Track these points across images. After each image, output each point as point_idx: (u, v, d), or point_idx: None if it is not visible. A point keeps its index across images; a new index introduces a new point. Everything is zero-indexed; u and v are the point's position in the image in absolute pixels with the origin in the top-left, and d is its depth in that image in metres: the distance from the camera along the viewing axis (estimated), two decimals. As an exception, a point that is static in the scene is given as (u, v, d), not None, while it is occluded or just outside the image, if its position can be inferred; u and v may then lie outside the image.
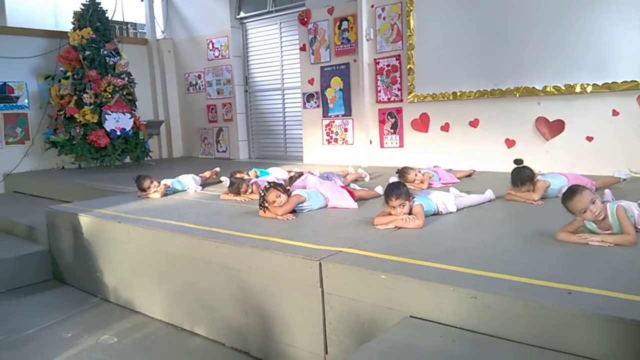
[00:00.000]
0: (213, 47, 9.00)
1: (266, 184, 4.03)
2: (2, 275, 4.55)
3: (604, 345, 1.87)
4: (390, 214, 3.37)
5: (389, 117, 6.70)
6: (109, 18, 8.25)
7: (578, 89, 5.17)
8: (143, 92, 9.05)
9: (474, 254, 2.68)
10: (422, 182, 4.71)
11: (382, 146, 6.83)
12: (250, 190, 4.74)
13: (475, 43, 5.82)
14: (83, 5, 7.90)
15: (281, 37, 8.26)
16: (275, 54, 8.41)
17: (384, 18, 6.54)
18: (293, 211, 3.83)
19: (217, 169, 6.11)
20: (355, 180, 5.22)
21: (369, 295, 2.50)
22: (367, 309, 2.51)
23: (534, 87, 5.44)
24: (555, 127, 5.43)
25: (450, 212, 3.62)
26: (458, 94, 6.00)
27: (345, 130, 7.21)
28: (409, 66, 6.34)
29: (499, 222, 3.52)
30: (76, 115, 7.44)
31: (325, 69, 7.28)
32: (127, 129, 7.78)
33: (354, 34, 6.87)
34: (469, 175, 5.42)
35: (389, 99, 6.67)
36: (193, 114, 9.60)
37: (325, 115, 7.39)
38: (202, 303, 3.39)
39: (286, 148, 8.55)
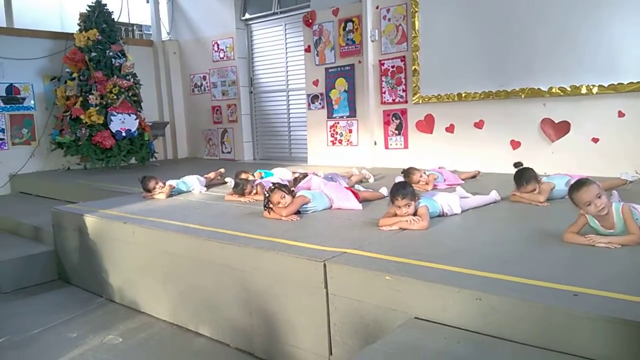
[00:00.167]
0: (218, 48, 9.03)
1: (271, 185, 4.03)
2: (8, 276, 4.58)
3: (609, 347, 1.86)
4: (395, 215, 3.36)
5: (393, 118, 6.70)
6: (115, 20, 8.28)
7: (584, 90, 5.16)
8: (148, 93, 9.08)
9: (478, 255, 2.67)
10: (427, 183, 4.71)
11: (386, 147, 6.82)
12: (254, 192, 4.75)
13: (481, 44, 5.81)
14: (89, 7, 7.94)
15: (286, 39, 8.27)
16: (280, 56, 8.43)
17: (389, 19, 6.54)
18: (297, 212, 3.83)
19: (222, 170, 6.12)
20: (359, 182, 5.21)
21: (374, 297, 2.50)
22: (372, 310, 2.51)
23: (539, 88, 5.43)
24: (560, 129, 5.41)
25: (455, 214, 3.61)
26: (463, 95, 5.99)
27: (350, 131, 7.21)
28: (413, 67, 6.33)
29: (504, 223, 3.51)
30: (82, 117, 7.47)
31: (330, 70, 7.28)
32: (133, 130, 7.81)
33: (359, 35, 6.87)
34: (474, 177, 5.40)
35: (393, 100, 6.66)
36: (198, 115, 9.63)
37: (329, 116, 7.40)
38: (207, 304, 3.40)
39: (291, 149, 8.56)
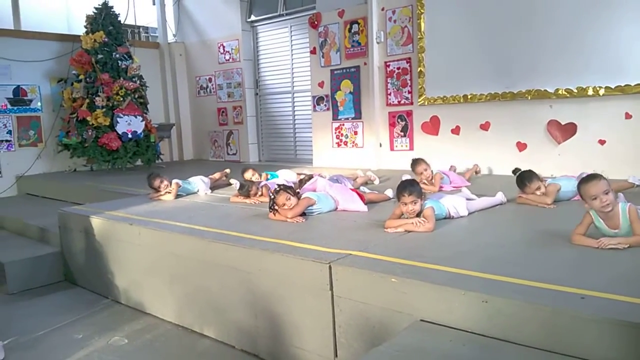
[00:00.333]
0: (224, 50, 9.05)
1: (276, 186, 4.03)
2: (15, 277, 4.61)
3: (615, 349, 1.85)
4: (401, 214, 3.36)
5: (399, 120, 6.69)
6: (122, 22, 8.32)
7: (590, 92, 5.13)
8: (154, 95, 9.12)
9: (485, 258, 2.66)
10: (430, 179, 4.70)
11: (392, 149, 6.81)
12: (260, 193, 4.76)
13: (487, 45, 5.79)
14: (96, 9, 7.98)
15: (291, 40, 8.28)
16: (286, 57, 8.44)
17: (395, 21, 6.54)
18: (303, 214, 3.83)
19: (227, 170, 6.13)
20: (364, 184, 5.21)
21: (379, 299, 2.49)
22: (377, 312, 2.50)
23: (545, 90, 5.41)
24: (567, 130, 5.39)
25: (462, 216, 3.60)
26: (469, 96, 5.97)
27: (355, 133, 7.21)
28: (419, 69, 6.32)
29: (510, 225, 3.49)
30: (88, 118, 7.51)
31: (336, 72, 7.28)
32: (139, 131, 7.84)
33: (365, 37, 6.87)
34: (477, 172, 5.45)
35: (399, 101, 6.65)
36: (204, 117, 9.65)
37: (335, 118, 7.39)
38: (212, 305, 3.40)
39: (296, 151, 8.56)
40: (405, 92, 6.57)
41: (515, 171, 4.15)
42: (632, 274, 2.31)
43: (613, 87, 4.99)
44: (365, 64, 6.91)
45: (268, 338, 3.07)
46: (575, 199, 3.95)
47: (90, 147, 7.60)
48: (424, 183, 4.63)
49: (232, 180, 5.57)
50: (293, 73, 8.36)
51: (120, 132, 7.63)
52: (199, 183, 5.42)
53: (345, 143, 7.34)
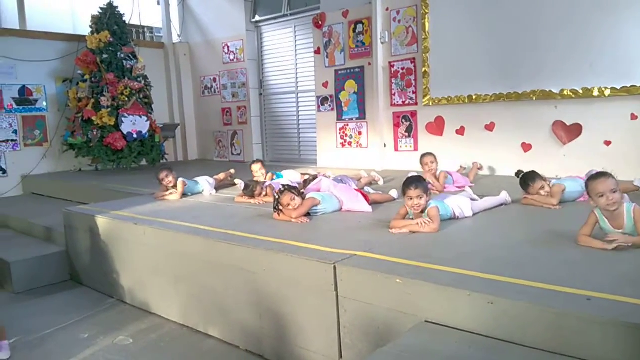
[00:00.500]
0: (228, 50, 9.06)
1: (280, 186, 4.03)
2: (20, 276, 4.62)
3: (621, 351, 1.84)
4: (406, 217, 3.36)
5: (403, 120, 6.68)
6: (127, 22, 8.34)
7: (596, 93, 5.11)
8: (159, 95, 9.14)
9: (490, 259, 2.66)
10: (434, 175, 4.71)
11: (396, 150, 6.81)
12: (264, 193, 4.76)
13: (492, 46, 5.78)
14: (101, 9, 8.00)
15: (296, 41, 8.29)
16: (290, 58, 8.44)
17: (399, 21, 6.53)
18: (307, 214, 3.84)
19: (232, 170, 6.15)
20: (369, 184, 5.20)
21: (384, 300, 2.49)
22: (382, 313, 2.50)
23: (550, 91, 5.39)
24: (572, 131, 5.37)
25: (467, 217, 3.59)
26: (474, 97, 5.96)
27: (360, 133, 7.21)
28: (424, 69, 6.31)
29: (516, 226, 3.49)
30: (94, 118, 7.53)
31: (340, 72, 7.29)
32: (144, 131, 7.86)
33: (369, 37, 6.86)
34: (479, 169, 5.53)
35: (403, 102, 6.65)
36: (208, 117, 9.67)
37: (339, 118, 7.40)
38: (217, 305, 3.41)
39: (300, 151, 8.57)
40: (409, 92, 6.57)
41: (518, 174, 4.15)
42: (637, 275, 2.30)
43: (619, 88, 4.97)
44: (369, 64, 6.91)
45: (273, 338, 3.07)
46: (581, 199, 3.95)
47: (96, 147, 7.62)
48: (429, 177, 4.65)
49: (236, 181, 5.58)
50: (297, 73, 8.36)
51: (125, 132, 7.65)
52: (204, 183, 5.44)
53: (350, 143, 7.34)
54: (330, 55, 7.36)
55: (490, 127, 5.93)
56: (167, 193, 5.13)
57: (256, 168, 5.70)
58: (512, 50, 5.64)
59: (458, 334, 2.19)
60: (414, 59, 6.47)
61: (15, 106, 7.85)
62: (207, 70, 9.54)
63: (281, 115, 8.83)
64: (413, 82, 6.51)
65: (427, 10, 6.20)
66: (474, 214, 3.65)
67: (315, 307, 2.80)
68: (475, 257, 2.70)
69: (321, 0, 7.43)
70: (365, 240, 3.13)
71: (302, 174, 5.61)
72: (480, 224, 3.52)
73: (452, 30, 6.07)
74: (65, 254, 4.91)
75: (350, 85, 7.20)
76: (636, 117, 4.96)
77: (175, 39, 9.80)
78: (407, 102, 6.62)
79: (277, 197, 3.87)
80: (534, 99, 5.52)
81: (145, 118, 7.92)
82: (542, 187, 3.86)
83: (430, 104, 6.33)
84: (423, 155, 4.94)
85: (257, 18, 8.76)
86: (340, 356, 2.72)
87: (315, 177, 4.88)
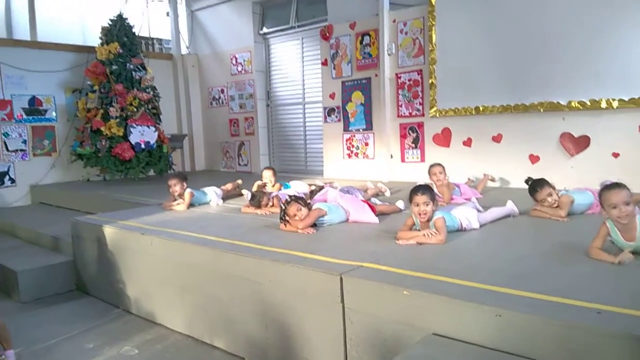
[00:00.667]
0: (236, 62, 9.13)
1: (287, 197, 4.03)
2: (27, 285, 4.63)
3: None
4: (412, 228, 3.35)
5: (410, 131, 6.68)
6: (136, 33, 8.43)
7: (604, 105, 5.09)
8: (167, 106, 9.20)
9: (498, 271, 2.64)
10: (442, 185, 4.70)
11: (403, 161, 6.80)
12: (271, 204, 4.77)
13: (499, 57, 5.78)
14: (111, 20, 8.10)
15: (303, 52, 8.34)
16: (297, 69, 8.49)
17: (406, 33, 6.56)
18: (314, 225, 3.83)
19: (239, 181, 6.16)
20: (375, 195, 5.19)
21: (391, 311, 2.47)
22: (389, 325, 2.48)
23: (558, 102, 5.38)
24: (580, 143, 5.35)
25: (474, 229, 3.57)
26: (481, 108, 5.96)
27: (366, 144, 7.21)
28: (430, 81, 6.32)
29: (524, 238, 3.46)
30: (102, 128, 7.59)
31: (347, 84, 7.31)
32: (152, 142, 7.91)
33: (376, 49, 6.89)
34: (492, 180, 5.51)
35: (410, 113, 6.65)
36: (216, 128, 9.72)
37: (346, 129, 7.41)
38: (223, 316, 3.40)
39: (307, 162, 8.58)
40: (416, 103, 6.57)
41: (527, 180, 4.12)
42: (648, 289, 2.27)
43: (627, 99, 4.95)
44: (376, 75, 6.93)
45: (278, 349, 3.05)
46: (589, 212, 3.92)
47: (104, 157, 7.67)
48: (437, 188, 4.65)
49: (243, 191, 5.59)
50: (304, 84, 8.40)
51: (133, 142, 7.70)
52: (212, 194, 5.46)
53: (356, 154, 7.34)
54: (337, 66, 7.39)
55: (497, 139, 5.92)
56: (174, 203, 5.16)
57: (267, 174, 5.70)
58: (519, 62, 5.63)
59: (466, 347, 2.17)
60: (420, 70, 6.48)
61: (24, 116, 7.93)
62: (215, 81, 9.61)
63: (288, 126, 8.85)
64: (420, 93, 6.52)
65: (433, 22, 6.22)
66: (480, 226, 3.63)
67: (321, 319, 2.78)
68: (483, 269, 2.67)
69: (328, 12, 7.49)
70: (372, 251, 3.12)
71: (309, 184, 5.61)
72: (488, 235, 3.50)
73: (459, 42, 6.08)
74: (72, 264, 4.92)
75: (357, 97, 7.22)
76: (645, 129, 4.94)
77: (184, 50, 9.89)
78: (413, 114, 6.62)
79: (283, 207, 3.87)
80: (542, 110, 5.50)
81: (154, 128, 7.96)
82: (550, 195, 3.82)
83: (437, 115, 6.33)
84: (431, 166, 4.93)
85: (265, 30, 8.82)
86: (347, 368, 2.70)
87: (321, 188, 4.88)
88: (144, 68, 8.22)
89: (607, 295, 2.18)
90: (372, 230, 3.74)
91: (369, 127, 7.15)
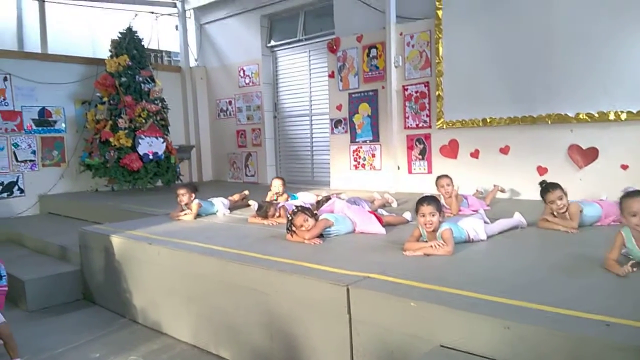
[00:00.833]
0: (244, 74, 9.19)
1: (294, 208, 4.03)
2: (34, 295, 4.66)
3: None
4: (419, 239, 3.34)
5: (417, 143, 6.68)
6: (145, 46, 8.52)
7: (612, 117, 5.08)
8: (176, 117, 9.27)
9: (506, 283, 2.62)
10: (450, 196, 4.68)
11: (410, 172, 6.79)
12: (277, 214, 4.77)
13: (506, 69, 5.79)
14: (120, 33, 8.20)
15: (310, 65, 8.38)
16: (304, 81, 8.54)
17: (413, 45, 6.59)
18: (320, 235, 3.83)
19: (246, 192, 6.17)
20: (382, 206, 5.18)
21: (398, 323, 2.46)
22: (396, 336, 2.46)
23: (566, 114, 5.36)
24: (588, 155, 5.32)
25: (482, 240, 3.55)
26: (488, 120, 5.95)
27: (373, 155, 7.22)
28: (437, 93, 6.34)
29: (531, 250, 3.44)
30: (111, 139, 7.65)
31: (354, 96, 7.34)
32: (160, 153, 7.96)
33: (383, 62, 6.93)
34: (502, 191, 5.48)
35: (417, 125, 6.66)
36: (223, 139, 9.77)
37: (353, 140, 7.42)
38: (228, 326, 3.39)
39: (313, 173, 8.59)
40: (423, 115, 6.58)
41: (542, 183, 4.09)
42: (659, 301, 2.25)
43: (635, 112, 4.93)
44: (383, 87, 6.95)
45: (284, 361, 3.04)
46: (597, 224, 3.89)
47: (112, 168, 7.72)
48: (445, 200, 4.63)
49: (250, 202, 5.60)
50: (311, 96, 8.44)
51: (141, 153, 7.75)
52: (219, 204, 5.48)
53: (363, 165, 7.34)
54: (344, 78, 7.43)
55: (505, 151, 5.90)
56: (182, 213, 5.18)
57: (277, 183, 5.71)
58: (526, 74, 5.63)
59: (474, 359, 2.15)
60: (427, 82, 6.50)
61: (34, 127, 8.02)
62: (223, 93, 9.67)
63: (295, 137, 8.88)
64: (427, 105, 6.53)
65: (440, 35, 6.25)
66: (488, 237, 3.61)
67: (328, 330, 2.77)
68: (490, 281, 2.66)
69: (336, 26, 7.54)
70: (379, 262, 3.11)
71: (316, 195, 5.61)
72: (496, 247, 3.48)
73: (466, 55, 6.10)
74: (79, 273, 4.94)
75: (364, 108, 7.24)
76: (654, 141, 4.91)
77: (193, 63, 9.98)
78: (420, 125, 6.62)
79: (290, 218, 3.87)
80: (549, 122, 5.49)
81: (162, 140, 8.02)
82: (560, 198, 3.78)
83: (444, 127, 6.33)
84: (439, 177, 4.91)
85: (273, 43, 8.89)
86: (353, 380, 2.67)
87: (328, 198, 4.88)
88: (153, 80, 8.30)
89: (615, 307, 2.16)
90: (379, 241, 3.73)
91: (375, 138, 7.16)
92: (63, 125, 8.34)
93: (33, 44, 8.80)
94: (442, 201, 4.52)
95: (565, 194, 3.85)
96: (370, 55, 7.10)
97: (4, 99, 7.69)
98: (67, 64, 8.38)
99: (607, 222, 3.90)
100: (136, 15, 9.29)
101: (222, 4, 9.27)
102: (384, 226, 4.07)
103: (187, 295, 3.72)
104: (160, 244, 3.99)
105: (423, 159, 6.64)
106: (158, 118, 8.15)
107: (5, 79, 7.69)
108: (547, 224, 3.88)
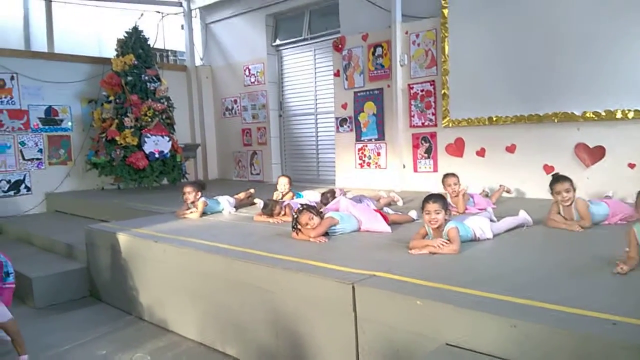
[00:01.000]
0: (249, 73, 9.21)
1: (299, 206, 4.04)
2: (41, 292, 4.68)
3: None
4: (425, 237, 3.33)
5: (422, 141, 6.67)
6: (151, 45, 8.55)
7: (619, 115, 5.05)
8: (181, 116, 9.29)
9: (512, 281, 2.61)
10: (457, 195, 4.67)
11: (415, 171, 6.78)
12: (283, 212, 4.77)
13: (512, 68, 5.77)
14: (126, 33, 8.23)
15: (315, 63, 8.38)
16: (310, 80, 8.54)
17: (419, 44, 6.58)
18: (325, 234, 3.83)
19: (252, 190, 6.18)
20: (388, 204, 5.18)
21: (403, 321, 2.46)
22: (402, 335, 2.46)
23: (573, 113, 5.34)
24: (595, 154, 5.30)
25: (488, 238, 3.54)
26: (494, 118, 5.93)
27: (378, 154, 7.21)
28: (443, 91, 6.32)
29: (538, 248, 3.43)
30: (117, 138, 7.68)
31: (359, 94, 7.34)
32: (165, 151, 7.98)
33: (388, 60, 6.92)
34: (508, 192, 5.45)
35: (422, 123, 6.65)
36: (228, 138, 9.79)
37: (358, 139, 7.42)
38: (234, 323, 3.40)
39: (318, 171, 8.59)
40: (429, 113, 6.57)
41: (555, 174, 4.08)
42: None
43: (642, 110, 4.91)
44: (388, 86, 6.94)
45: (289, 358, 3.04)
46: (605, 223, 3.87)
47: (118, 166, 7.75)
48: (451, 198, 4.63)
49: (256, 200, 5.62)
50: (317, 95, 8.44)
51: (147, 152, 7.77)
52: (224, 202, 5.49)
53: (368, 164, 7.34)
54: (350, 77, 7.42)
55: (511, 149, 5.88)
56: (187, 211, 5.20)
57: (283, 181, 5.72)
58: (532, 72, 5.61)
59: (480, 358, 2.15)
60: (433, 81, 6.48)
61: (41, 126, 8.06)
62: (228, 92, 9.69)
63: (300, 136, 8.89)
64: (432, 103, 6.52)
65: (446, 34, 6.24)
66: (494, 236, 3.60)
67: (333, 328, 2.77)
68: (497, 279, 2.65)
69: (341, 24, 7.54)
70: (385, 260, 3.11)
71: (320, 192, 5.61)
72: (502, 245, 3.47)
73: (472, 53, 6.08)
74: (86, 271, 4.96)
75: (369, 107, 7.24)
76: (661, 140, 4.88)
77: (198, 62, 10.01)
78: (426, 124, 6.61)
79: (295, 216, 3.87)
80: (556, 120, 5.46)
81: (168, 138, 8.04)
82: (568, 190, 3.79)
83: (450, 125, 6.31)
84: (446, 176, 4.89)
85: (278, 42, 8.90)
86: (358, 378, 2.68)
87: (333, 192, 4.89)
88: (159, 79, 8.32)
89: (622, 306, 2.15)
90: (384, 240, 3.73)
91: (381, 137, 7.16)
92: (69, 124, 8.38)
93: (40, 44, 8.85)
94: (449, 200, 4.51)
95: (574, 189, 3.84)
96: (376, 54, 7.09)
97: (11, 98, 7.74)
98: (73, 63, 8.41)
99: (615, 221, 3.88)
100: (142, 14, 9.33)
101: (228, 3, 9.29)
102: (389, 224, 4.07)
103: (193, 293, 3.73)
104: (166, 242, 4.01)
105: (429, 157, 6.63)
106: (164, 117, 8.17)
107: (12, 78, 7.73)
108: (553, 223, 3.87)
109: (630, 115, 4.97)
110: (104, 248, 4.67)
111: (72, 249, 5.37)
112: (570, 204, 3.81)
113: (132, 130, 7.73)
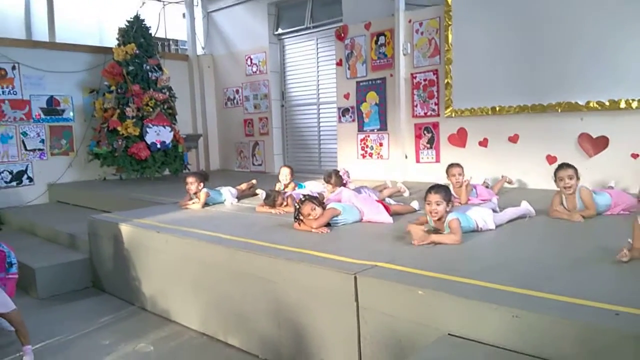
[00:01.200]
0: (251, 62, 9.16)
1: (301, 196, 4.03)
2: (45, 282, 4.70)
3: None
4: (425, 222, 3.34)
5: (425, 131, 6.64)
6: (152, 35, 8.50)
7: (623, 105, 5.01)
8: (183, 106, 9.27)
9: (515, 272, 2.61)
10: (460, 185, 4.66)
11: (417, 161, 6.76)
12: (285, 203, 4.77)
13: (515, 57, 5.72)
14: (128, 22, 8.18)
15: (318, 53, 8.34)
16: (312, 69, 8.50)
17: (422, 33, 6.52)
18: (328, 224, 3.83)
19: (254, 181, 6.18)
20: (391, 195, 5.17)
21: (406, 311, 2.46)
22: (404, 325, 2.46)
23: (576, 103, 5.30)
24: (598, 144, 5.27)
25: (490, 229, 3.53)
26: (497, 109, 5.90)
27: (381, 144, 7.19)
28: (446, 81, 6.28)
29: (540, 239, 3.42)
30: (119, 128, 7.66)
31: (361, 84, 7.30)
32: (167, 142, 7.97)
33: (391, 49, 6.87)
34: (509, 183, 5.43)
35: (425, 113, 6.61)
36: (230, 128, 9.77)
37: (360, 129, 7.39)
38: (236, 314, 3.41)
39: (320, 161, 8.57)
40: (431, 103, 6.53)
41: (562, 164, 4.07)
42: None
43: (647, 100, 4.87)
44: (391, 75, 6.90)
45: (291, 348, 3.05)
46: (608, 213, 3.86)
47: (120, 157, 7.75)
48: (454, 189, 4.62)
49: (258, 190, 5.61)
50: (319, 85, 8.40)
51: (149, 142, 7.76)
52: (227, 193, 5.48)
53: (371, 154, 7.32)
54: (352, 67, 7.38)
55: (514, 139, 5.86)
56: (190, 202, 5.20)
57: (285, 172, 5.70)
58: (536, 62, 5.56)
59: (482, 348, 2.15)
60: (436, 70, 6.44)
61: (43, 116, 8.05)
62: (230, 82, 9.66)
63: (302, 126, 8.86)
64: (435, 93, 6.48)
65: (450, 22, 6.18)
66: (496, 226, 3.59)
67: (335, 318, 2.77)
68: (499, 270, 2.65)
69: (343, 13, 7.48)
70: (387, 251, 3.11)
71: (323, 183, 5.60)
72: (505, 237, 3.46)
73: (475, 42, 6.03)
74: (89, 261, 4.97)
75: (372, 97, 7.20)
76: (665, 130, 4.85)
77: (200, 51, 9.96)
78: (429, 114, 6.58)
79: (297, 207, 3.87)
80: (559, 110, 5.43)
81: (169, 128, 8.03)
82: (571, 177, 3.77)
83: (453, 115, 6.28)
84: (450, 166, 4.86)
85: (280, 31, 8.85)
86: (360, 368, 2.69)
87: (337, 172, 4.89)
88: (160, 69, 8.29)
89: (624, 296, 2.15)
90: (386, 230, 3.73)
91: (383, 127, 7.13)
92: (71, 114, 8.37)
93: (41, 33, 8.81)
94: (452, 190, 4.50)
95: (578, 177, 3.83)
96: (379, 43, 7.04)
97: (13, 88, 7.72)
98: (75, 53, 8.38)
99: (617, 211, 3.87)
100: (143, 3, 9.30)
101: (229, -9, 9.24)
102: (391, 215, 4.06)
103: (195, 283, 3.74)
104: (169, 233, 4.01)
105: (431, 147, 6.61)
106: (165, 107, 8.15)
107: (13, 68, 7.71)
108: (557, 214, 3.86)
109: (634, 105, 4.94)
110: (107, 238, 4.68)
111: (74, 239, 5.39)
112: (573, 193, 3.80)
113: (134, 120, 7.71)
